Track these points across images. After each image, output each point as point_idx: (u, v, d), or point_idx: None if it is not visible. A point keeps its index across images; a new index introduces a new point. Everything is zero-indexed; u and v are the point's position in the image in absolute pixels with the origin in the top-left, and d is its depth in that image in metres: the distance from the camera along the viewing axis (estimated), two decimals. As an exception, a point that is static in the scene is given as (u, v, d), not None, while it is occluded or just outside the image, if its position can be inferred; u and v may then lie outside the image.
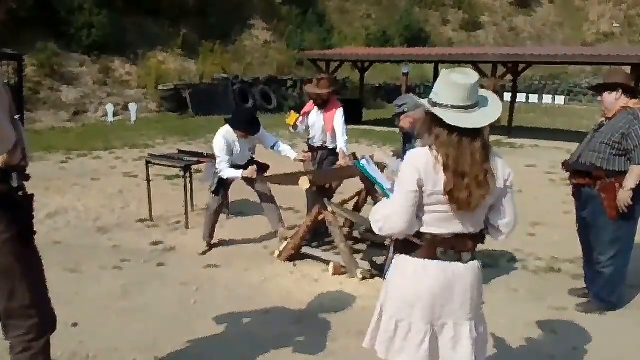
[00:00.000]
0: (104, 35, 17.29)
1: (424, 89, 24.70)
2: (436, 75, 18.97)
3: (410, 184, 1.92)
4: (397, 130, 4.39)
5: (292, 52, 23.74)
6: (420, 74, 26.39)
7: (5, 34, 13.62)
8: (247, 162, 5.14)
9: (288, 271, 4.61)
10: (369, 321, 2.22)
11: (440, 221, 1.98)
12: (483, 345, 2.16)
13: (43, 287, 2.30)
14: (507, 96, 17.92)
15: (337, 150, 5.25)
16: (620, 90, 3.65)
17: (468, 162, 1.89)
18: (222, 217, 5.58)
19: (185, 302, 3.92)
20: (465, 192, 1.88)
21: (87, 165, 9.18)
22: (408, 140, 4.17)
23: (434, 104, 1.95)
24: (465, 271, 2.03)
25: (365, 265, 4.54)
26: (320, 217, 4.66)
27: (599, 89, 3.78)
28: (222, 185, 5.04)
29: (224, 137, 4.87)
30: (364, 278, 4.38)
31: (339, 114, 5.26)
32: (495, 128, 13.82)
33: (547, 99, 32.73)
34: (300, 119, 5.42)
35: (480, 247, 2.09)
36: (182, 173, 5.94)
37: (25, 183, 2.16)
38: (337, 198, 5.17)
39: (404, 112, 4.11)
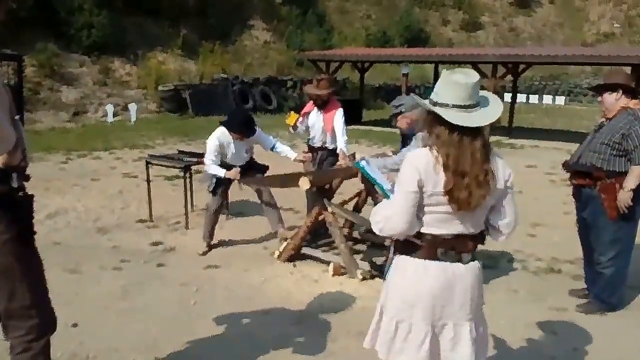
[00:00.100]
0: (104, 36, 17.28)
1: (424, 90, 24.68)
2: (436, 75, 19.01)
3: (411, 184, 1.92)
4: (397, 131, 4.40)
5: (292, 53, 23.73)
6: (420, 75, 26.39)
7: (5, 35, 13.63)
8: (245, 163, 5.14)
9: (288, 272, 4.61)
10: (369, 322, 2.22)
11: (441, 222, 1.98)
12: (483, 346, 2.16)
13: (43, 288, 2.30)
14: (507, 97, 17.90)
15: (337, 151, 5.25)
16: (621, 91, 3.65)
17: (468, 161, 1.89)
18: (222, 217, 5.58)
19: (185, 303, 3.92)
20: (465, 191, 1.88)
21: (87, 166, 9.18)
22: (406, 140, 4.18)
23: (435, 104, 1.95)
24: (466, 272, 2.03)
25: (365, 265, 4.53)
26: (320, 218, 4.66)
27: (599, 90, 3.78)
28: (220, 185, 5.03)
29: (217, 139, 4.88)
30: (363, 279, 4.38)
31: (338, 115, 5.26)
32: (495, 128, 13.82)
33: (547, 99, 32.73)
34: (300, 119, 5.42)
35: (480, 247, 2.09)
36: (182, 173, 5.95)
37: (25, 183, 2.16)
38: (337, 199, 5.16)
39: (401, 113, 4.13)
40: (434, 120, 1.96)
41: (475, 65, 14.84)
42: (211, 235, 5.11)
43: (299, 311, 3.83)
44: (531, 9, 44.21)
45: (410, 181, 1.93)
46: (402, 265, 2.08)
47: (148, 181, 6.05)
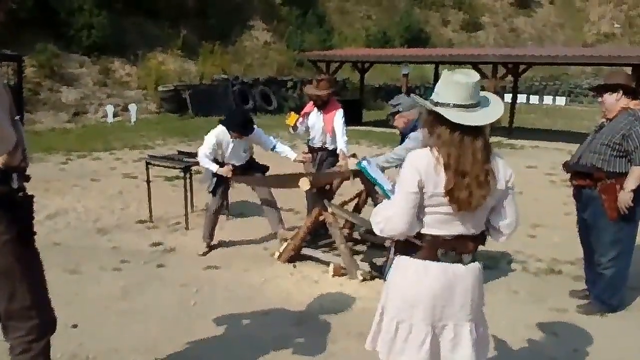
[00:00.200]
0: (104, 36, 17.28)
1: (424, 90, 24.68)
2: (436, 76, 19.02)
3: (411, 185, 1.92)
4: (397, 131, 4.41)
5: (292, 53, 23.73)
6: (420, 75, 26.37)
7: (5, 35, 13.62)
8: (245, 163, 5.14)
9: (288, 272, 4.60)
10: (369, 323, 2.22)
11: (441, 222, 1.97)
12: (484, 346, 2.16)
13: (43, 288, 2.30)
14: (508, 97, 17.88)
15: (337, 151, 5.25)
16: (621, 91, 3.65)
17: (469, 161, 1.89)
18: (222, 218, 5.58)
19: (185, 303, 3.92)
20: (466, 191, 1.88)
21: (87, 166, 9.18)
22: (404, 140, 4.19)
23: (436, 104, 1.95)
24: (466, 272, 2.03)
25: (366, 266, 4.53)
26: (321, 219, 4.66)
27: (600, 90, 3.78)
28: (220, 185, 5.03)
29: (216, 136, 4.90)
30: (364, 279, 4.38)
31: (338, 115, 5.26)
32: (495, 129, 13.81)
33: (547, 99, 32.75)
34: (300, 120, 5.41)
35: (480, 248, 2.09)
36: (182, 174, 5.95)
37: (25, 184, 2.15)
38: (337, 199, 5.16)
39: (398, 112, 4.14)
40: (435, 120, 1.96)
41: (475, 66, 14.84)
42: (211, 235, 5.11)
43: (299, 312, 3.83)
44: (531, 10, 44.23)
45: (410, 182, 1.92)
46: (403, 266, 2.07)
47: (148, 182, 6.05)
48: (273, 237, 5.33)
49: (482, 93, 1.99)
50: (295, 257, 4.80)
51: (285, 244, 4.87)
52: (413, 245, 2.02)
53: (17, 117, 2.14)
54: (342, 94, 20.53)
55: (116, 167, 9.20)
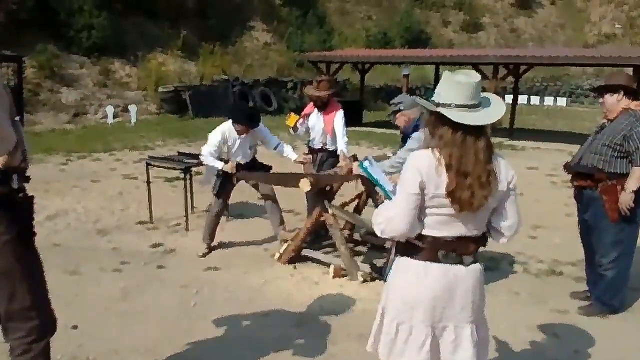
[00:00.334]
0: (104, 37, 17.29)
1: (425, 91, 24.68)
2: (437, 76, 19.02)
3: (412, 186, 1.92)
4: (398, 132, 4.41)
5: (292, 54, 23.73)
6: (420, 76, 26.36)
7: (5, 36, 13.63)
8: (250, 161, 5.13)
9: (288, 273, 4.60)
10: (370, 324, 2.21)
11: (442, 224, 1.97)
12: (484, 348, 2.15)
13: (43, 289, 2.30)
14: (509, 98, 17.86)
15: (338, 152, 5.24)
16: (622, 92, 3.64)
17: (471, 161, 1.89)
18: (222, 219, 5.56)
19: (185, 305, 3.91)
20: (468, 192, 1.88)
21: (86, 167, 9.17)
22: (405, 140, 4.20)
23: (438, 104, 1.95)
24: (467, 274, 2.02)
25: (366, 267, 4.52)
26: (321, 220, 4.65)
27: (601, 91, 3.78)
28: (225, 188, 5.02)
29: (222, 133, 4.89)
30: (364, 281, 4.37)
31: (339, 116, 5.25)
32: (496, 130, 13.80)
33: (548, 100, 32.77)
34: (300, 120, 5.41)
35: (481, 249, 2.08)
36: (182, 175, 5.94)
37: (25, 185, 2.15)
38: (337, 200, 5.15)
39: (400, 110, 4.17)
40: (437, 120, 1.96)
41: (476, 67, 14.84)
42: (211, 237, 5.10)
43: (299, 313, 3.82)
44: (532, 10, 44.19)
45: (411, 183, 1.92)
46: (403, 267, 2.07)
47: (148, 183, 6.04)
48: (273, 238, 5.32)
49: (483, 94, 1.99)
50: (296, 258, 4.79)
51: (285, 245, 4.86)
52: (414, 246, 2.02)
53: (17, 118, 2.14)
54: (342, 94, 20.54)
55: (116, 168, 9.20)
